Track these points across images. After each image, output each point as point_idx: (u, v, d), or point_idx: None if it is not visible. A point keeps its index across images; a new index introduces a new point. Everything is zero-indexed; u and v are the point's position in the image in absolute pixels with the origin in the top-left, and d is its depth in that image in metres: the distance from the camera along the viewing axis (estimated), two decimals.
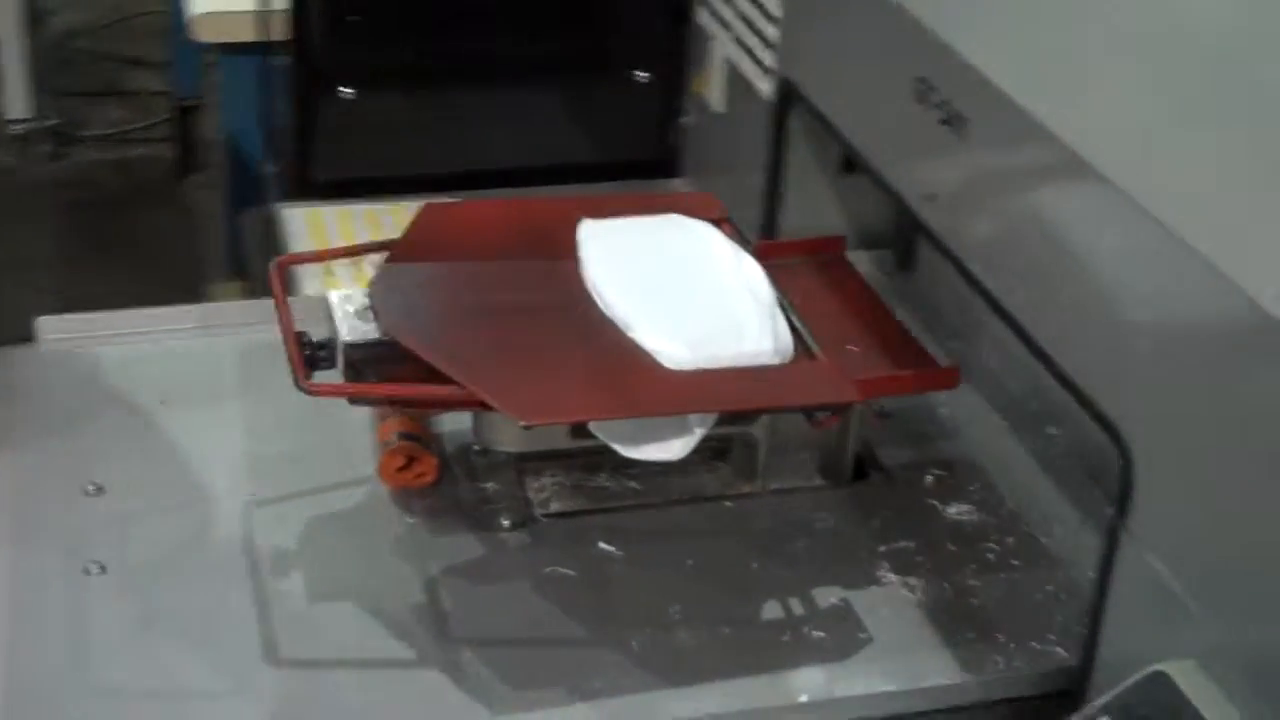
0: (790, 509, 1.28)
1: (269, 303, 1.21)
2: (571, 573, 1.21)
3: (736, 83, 1.67)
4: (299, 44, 1.72)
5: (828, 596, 1.20)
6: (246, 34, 1.83)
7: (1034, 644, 1.16)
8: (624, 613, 1.18)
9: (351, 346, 1.18)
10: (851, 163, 1.53)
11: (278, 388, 1.16)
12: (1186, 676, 0.98)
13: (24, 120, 3.37)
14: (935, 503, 1.29)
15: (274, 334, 1.18)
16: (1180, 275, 1.00)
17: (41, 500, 1.24)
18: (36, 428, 1.31)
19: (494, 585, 1.21)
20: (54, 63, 3.52)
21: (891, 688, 1.13)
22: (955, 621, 1.18)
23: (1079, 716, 1.01)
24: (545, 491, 1.28)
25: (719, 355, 1.18)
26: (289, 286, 1.26)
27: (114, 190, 3.30)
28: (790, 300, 1.27)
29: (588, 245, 1.28)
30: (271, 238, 1.73)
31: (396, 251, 1.26)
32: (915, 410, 1.38)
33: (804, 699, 1.12)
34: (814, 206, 1.59)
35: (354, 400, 1.19)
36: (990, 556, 1.24)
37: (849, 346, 1.29)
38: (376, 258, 1.28)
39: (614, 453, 1.17)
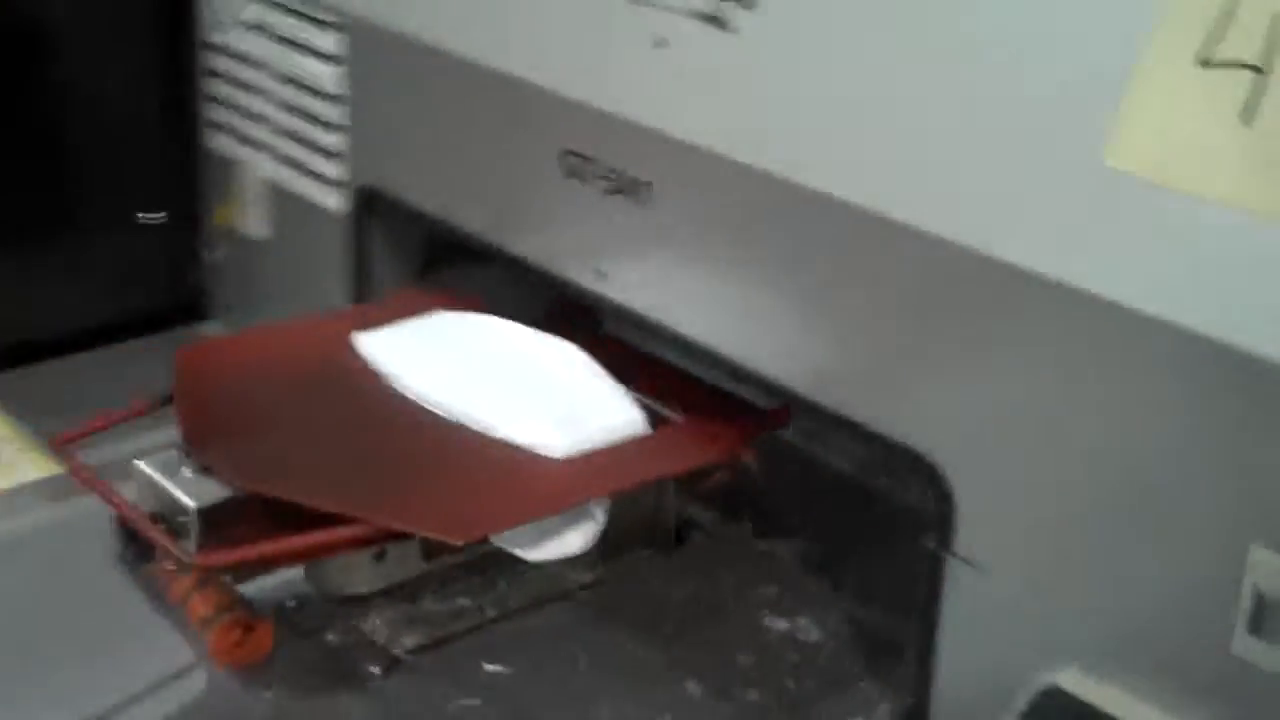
0: (638, 584, 1.24)
1: None
2: (477, 701, 1.11)
3: (284, 204, 1.55)
4: None
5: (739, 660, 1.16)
6: None
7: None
8: None
9: (206, 511, 1.05)
10: (433, 261, 1.46)
11: None
12: (1077, 683, 0.97)
13: None
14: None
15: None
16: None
17: None
18: None
19: None
20: None
21: None
22: None
23: None
24: (385, 630, 1.16)
25: (593, 436, 1.14)
26: None
27: None
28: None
29: (384, 357, 1.21)
30: None
31: (180, 405, 1.15)
32: None
33: None
34: None
35: (241, 572, 1.07)
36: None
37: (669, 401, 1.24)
38: None
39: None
